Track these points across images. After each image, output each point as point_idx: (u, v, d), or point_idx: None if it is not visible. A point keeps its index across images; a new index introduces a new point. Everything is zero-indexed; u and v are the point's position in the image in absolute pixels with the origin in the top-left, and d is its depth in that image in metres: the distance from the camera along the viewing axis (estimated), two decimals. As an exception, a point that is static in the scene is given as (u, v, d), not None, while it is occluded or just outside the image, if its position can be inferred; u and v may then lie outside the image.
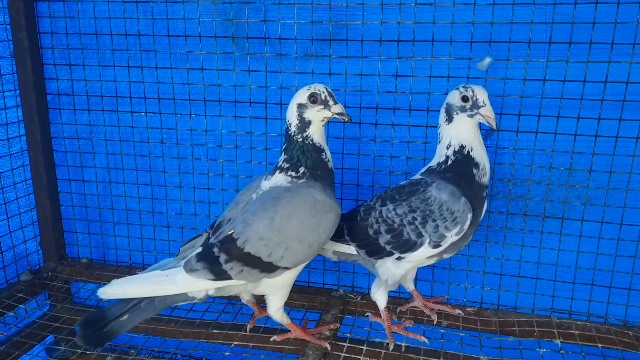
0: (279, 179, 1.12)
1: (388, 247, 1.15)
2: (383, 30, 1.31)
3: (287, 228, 1.06)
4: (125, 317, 1.07)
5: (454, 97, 1.12)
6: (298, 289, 1.45)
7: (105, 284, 1.07)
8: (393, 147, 1.39)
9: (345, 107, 1.37)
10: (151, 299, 1.08)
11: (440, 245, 1.11)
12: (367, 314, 1.31)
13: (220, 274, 1.07)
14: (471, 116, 1.11)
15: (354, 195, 1.45)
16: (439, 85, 1.32)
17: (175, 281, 1.07)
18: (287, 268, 1.09)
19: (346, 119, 1.11)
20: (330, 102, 1.09)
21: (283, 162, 1.13)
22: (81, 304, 1.43)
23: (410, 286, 1.30)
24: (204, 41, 1.42)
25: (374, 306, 1.28)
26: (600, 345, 1.20)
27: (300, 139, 1.11)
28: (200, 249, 1.11)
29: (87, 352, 1.21)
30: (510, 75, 1.27)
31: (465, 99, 1.10)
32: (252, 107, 1.44)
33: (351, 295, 1.41)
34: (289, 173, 1.12)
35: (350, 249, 1.22)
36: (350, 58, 1.36)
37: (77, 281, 1.56)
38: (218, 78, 1.44)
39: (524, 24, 1.23)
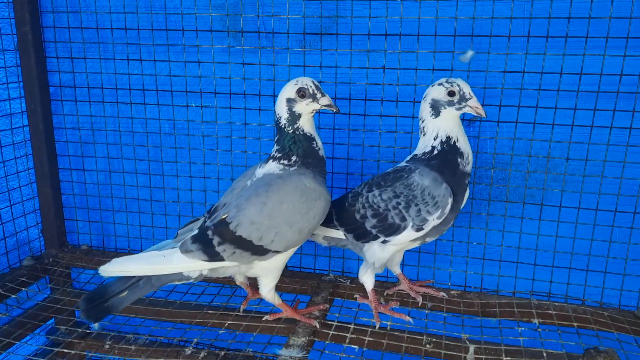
0: (272, 166, 1.17)
1: (374, 231, 1.20)
2: (371, 24, 1.37)
3: (278, 213, 1.11)
4: (125, 293, 1.13)
5: (439, 93, 1.17)
6: (290, 273, 1.50)
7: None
8: (381, 137, 1.45)
9: (335, 98, 1.44)
10: (148, 278, 1.14)
11: (422, 229, 1.16)
12: (355, 296, 1.36)
13: (213, 256, 1.12)
14: (459, 109, 1.16)
15: (344, 184, 1.51)
16: (424, 77, 1.37)
17: (172, 261, 1.13)
18: (277, 252, 1.14)
19: (334, 110, 1.16)
20: (318, 95, 1.14)
21: (276, 152, 1.18)
22: (81, 289, 1.48)
23: (396, 270, 1.36)
24: (200, 35, 1.48)
25: (362, 289, 1.34)
26: (576, 324, 1.24)
27: (291, 131, 1.16)
28: (196, 232, 1.16)
29: (86, 330, 1.26)
30: (492, 68, 1.33)
31: (451, 93, 1.15)
32: (247, 99, 1.50)
33: (341, 280, 1.46)
34: (282, 161, 1.16)
35: (339, 234, 1.27)
36: (340, 51, 1.42)
37: (77, 267, 1.60)
38: (214, 70, 1.50)
39: (503, 18, 1.29)
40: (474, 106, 1.15)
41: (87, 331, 1.26)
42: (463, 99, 1.15)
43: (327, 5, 1.40)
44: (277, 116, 1.17)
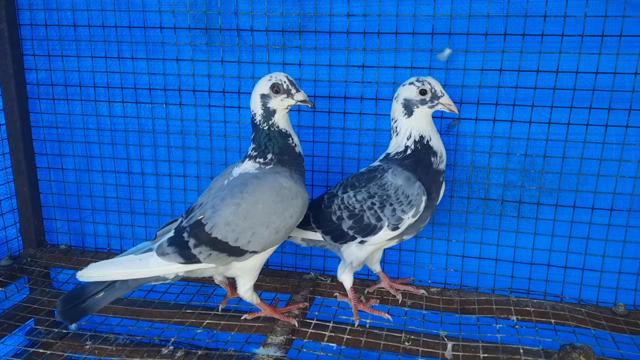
0: (248, 165, 1.16)
1: (351, 232, 1.20)
2: (350, 22, 1.37)
3: (253, 214, 1.10)
4: (101, 294, 1.12)
5: (411, 92, 1.17)
6: (270, 272, 1.50)
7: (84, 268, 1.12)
8: (361, 135, 1.45)
9: (315, 96, 1.44)
10: (125, 279, 1.13)
11: (398, 228, 1.17)
12: (335, 294, 1.37)
13: (189, 258, 1.12)
14: (432, 107, 1.16)
15: (324, 182, 1.51)
16: (403, 76, 1.37)
17: (148, 264, 1.12)
18: (255, 252, 1.13)
19: (310, 105, 1.14)
20: (293, 91, 1.13)
21: (252, 151, 1.17)
22: (59, 289, 1.47)
23: (376, 268, 1.36)
24: (178, 33, 1.47)
25: (342, 287, 1.33)
26: (553, 321, 1.25)
27: (266, 127, 1.15)
28: (172, 233, 1.15)
29: (64, 330, 1.25)
30: (469, 66, 1.33)
31: (423, 92, 1.16)
32: (226, 97, 1.49)
33: (321, 278, 1.46)
34: (258, 160, 1.15)
35: (317, 236, 1.27)
36: (319, 49, 1.41)
37: (55, 267, 1.59)
38: (192, 68, 1.49)
39: (480, 16, 1.29)
40: (446, 103, 1.15)
41: (65, 331, 1.26)
42: (435, 97, 1.15)
43: (305, 2, 1.39)
44: (252, 113, 1.16)
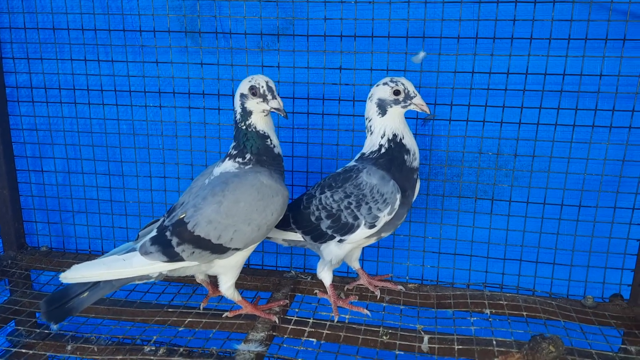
0: (228, 165, 1.18)
1: (329, 232, 1.23)
2: (327, 26, 1.40)
3: (235, 212, 1.12)
4: (86, 294, 1.13)
5: (385, 92, 1.20)
6: (252, 271, 1.52)
7: (65, 270, 1.13)
8: (339, 135, 1.48)
9: (293, 98, 1.46)
10: (109, 279, 1.14)
11: (375, 226, 1.20)
12: (315, 291, 1.39)
13: (173, 256, 1.13)
14: (405, 107, 1.20)
15: (304, 182, 1.54)
16: (379, 78, 1.39)
17: (132, 264, 1.13)
18: (237, 249, 1.15)
19: (283, 115, 1.15)
20: (269, 97, 1.14)
21: (232, 149, 1.19)
22: (40, 290, 1.48)
23: (356, 265, 1.39)
24: (158, 36, 1.48)
25: (322, 285, 1.36)
26: (525, 314, 1.29)
27: (244, 127, 1.17)
28: (155, 233, 1.17)
29: (46, 331, 1.26)
30: (443, 68, 1.37)
31: (397, 92, 1.19)
32: (206, 99, 1.51)
33: (302, 276, 1.49)
34: (237, 159, 1.18)
35: (297, 236, 1.30)
36: (298, 52, 1.44)
37: (36, 269, 1.59)
38: (172, 71, 1.50)
39: (453, 20, 1.33)
40: (418, 103, 1.19)
41: (47, 331, 1.26)
42: (408, 97, 1.19)
43: (283, 7, 1.42)
44: (234, 111, 1.18)
